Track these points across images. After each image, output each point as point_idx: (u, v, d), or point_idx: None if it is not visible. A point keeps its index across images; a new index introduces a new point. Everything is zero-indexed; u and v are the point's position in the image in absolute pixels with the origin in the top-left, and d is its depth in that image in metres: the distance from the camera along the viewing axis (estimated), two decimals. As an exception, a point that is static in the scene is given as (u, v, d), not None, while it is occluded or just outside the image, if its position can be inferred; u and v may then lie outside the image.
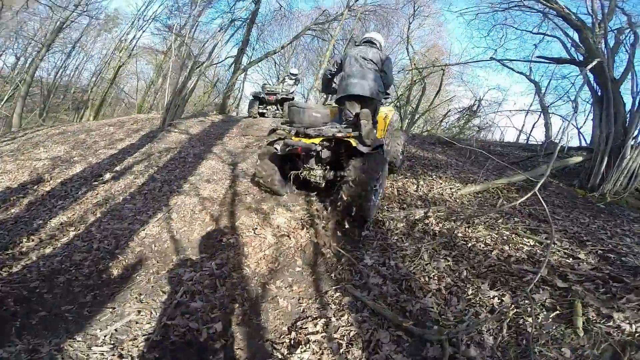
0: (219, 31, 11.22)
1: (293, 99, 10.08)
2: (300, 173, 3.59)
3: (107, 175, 5.55)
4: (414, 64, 13.15)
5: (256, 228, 3.70)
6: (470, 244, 3.10)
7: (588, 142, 7.28)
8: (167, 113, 8.02)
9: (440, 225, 3.61)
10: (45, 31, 14.72)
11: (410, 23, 12.16)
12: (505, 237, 3.20)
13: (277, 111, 9.95)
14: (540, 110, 8.78)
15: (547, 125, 8.50)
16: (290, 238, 3.52)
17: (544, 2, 5.06)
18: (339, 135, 3.07)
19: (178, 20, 14.02)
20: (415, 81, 13.42)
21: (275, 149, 3.32)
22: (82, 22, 15.79)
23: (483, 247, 3.03)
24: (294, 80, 10.26)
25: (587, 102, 8.16)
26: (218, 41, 8.87)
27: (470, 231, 3.38)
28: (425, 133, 11.99)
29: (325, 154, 3.35)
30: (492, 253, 2.89)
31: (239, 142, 6.68)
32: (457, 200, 4.41)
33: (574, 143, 8.83)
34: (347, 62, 3.60)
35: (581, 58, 5.77)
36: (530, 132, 8.55)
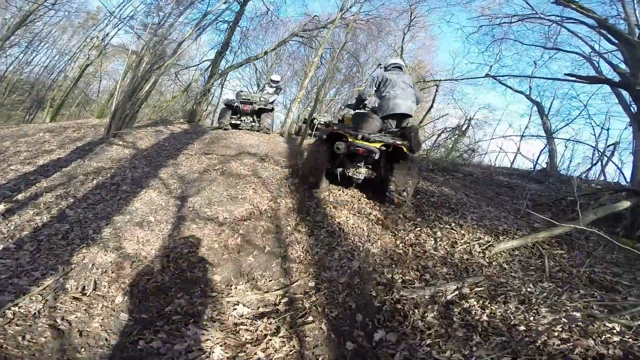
0: (196, 29, 9.81)
1: (273, 110, 8.73)
2: (347, 170, 4.11)
3: (0, 207, 3.91)
4: None
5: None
6: (539, 341, 1.99)
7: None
8: (113, 120, 6.41)
9: (488, 310, 2.38)
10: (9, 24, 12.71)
11: (405, 34, 11.30)
12: (580, 324, 2.14)
13: (254, 123, 8.54)
14: (544, 135, 7.92)
15: (552, 152, 7.62)
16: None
17: (585, 12, 4.12)
18: (398, 142, 3.64)
19: (156, 19, 12.44)
20: None
21: (338, 148, 3.65)
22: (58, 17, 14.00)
23: (558, 345, 1.94)
24: (274, 89, 8.94)
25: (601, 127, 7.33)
26: (185, 39, 7.42)
27: (531, 317, 2.28)
28: (420, 155, 10.96)
29: (378, 156, 3.76)
30: (574, 354, 1.88)
31: (197, 163, 5.20)
32: (493, 263, 3.18)
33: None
34: (389, 84, 4.11)
35: (617, 78, 4.87)
36: (537, 159, 7.42)
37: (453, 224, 3.81)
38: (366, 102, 4.35)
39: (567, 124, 8.18)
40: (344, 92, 18.97)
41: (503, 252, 3.40)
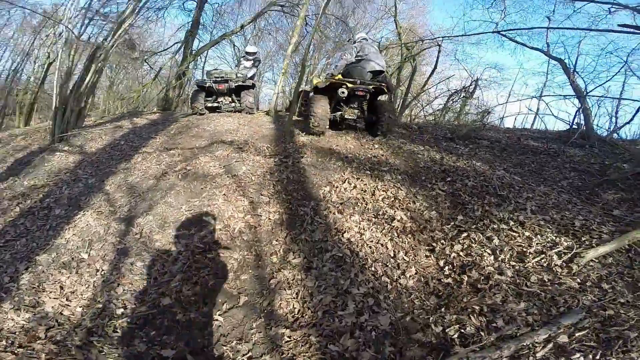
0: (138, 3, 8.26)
1: (254, 86, 7.39)
2: (344, 112, 5.02)
3: None
4: (402, 41, 10.55)
5: None
6: None
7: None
8: (55, 123, 5.17)
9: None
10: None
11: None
12: None
13: (234, 103, 7.23)
14: (575, 94, 6.59)
15: (587, 112, 6.32)
16: None
17: None
18: (383, 84, 4.82)
19: (116, 7, 10.71)
20: (405, 59, 10.86)
21: (343, 92, 4.53)
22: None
23: None
24: (252, 61, 7.54)
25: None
26: (125, 17, 5.96)
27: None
28: (430, 121, 9.66)
29: (369, 97, 4.96)
30: None
31: (156, 164, 4.03)
32: (587, 282, 2.11)
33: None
34: (364, 50, 5.03)
35: None
36: (573, 120, 6.11)
37: (511, 222, 2.69)
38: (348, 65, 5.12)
39: (606, 81, 6.81)
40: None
41: (593, 261, 2.31)
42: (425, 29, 14.40)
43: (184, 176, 3.75)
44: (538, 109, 10.22)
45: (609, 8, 6.29)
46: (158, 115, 7.80)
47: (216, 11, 11.82)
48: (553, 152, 5.16)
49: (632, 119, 7.15)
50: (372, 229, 2.72)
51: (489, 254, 2.47)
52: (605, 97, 6.00)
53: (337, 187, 3.39)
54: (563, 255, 2.37)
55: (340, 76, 4.83)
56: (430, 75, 11.49)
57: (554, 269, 2.20)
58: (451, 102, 11.33)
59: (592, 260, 2.31)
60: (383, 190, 3.35)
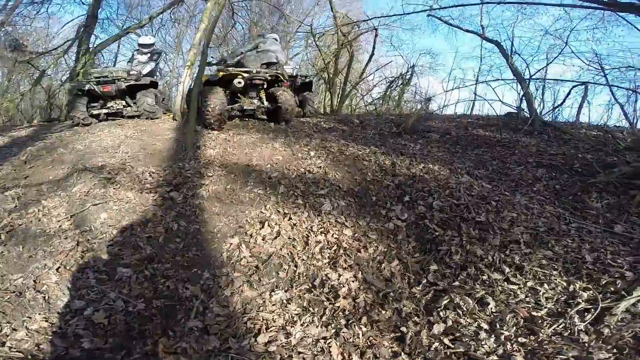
0: None
1: (153, 84, 5.76)
2: (243, 103, 4.81)
3: None
4: (339, 26, 9.40)
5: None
6: None
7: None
8: None
9: None
10: None
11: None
12: None
13: (127, 107, 5.55)
14: (515, 78, 6.29)
15: (529, 96, 6.04)
16: None
17: None
18: (279, 72, 4.87)
19: None
20: (342, 45, 9.81)
21: (239, 82, 4.40)
22: None
23: None
24: (148, 55, 5.86)
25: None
26: None
27: None
28: (371, 111, 8.88)
29: (265, 85, 4.86)
30: None
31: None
32: (622, 349, 1.28)
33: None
34: (261, 45, 5.25)
35: None
36: (520, 105, 5.71)
37: (505, 267, 1.83)
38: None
39: (547, 64, 6.58)
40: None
41: (626, 315, 1.55)
42: (360, 16, 13.64)
43: (9, 237, 2.27)
44: (475, 94, 10.16)
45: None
46: (31, 130, 5.73)
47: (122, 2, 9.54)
48: (508, 143, 4.62)
49: (563, 102, 7.21)
50: (305, 319, 1.64)
51: (486, 331, 1.57)
52: (545, 79, 5.68)
53: (251, 236, 2.24)
54: (586, 313, 1.56)
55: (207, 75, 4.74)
56: (368, 62, 10.71)
57: (579, 337, 1.37)
58: (389, 90, 10.74)
59: (625, 314, 1.54)
60: (321, 232, 2.29)
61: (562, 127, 5.18)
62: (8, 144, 4.74)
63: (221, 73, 4.51)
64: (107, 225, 2.26)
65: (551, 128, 5.14)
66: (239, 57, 5.05)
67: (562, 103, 6.76)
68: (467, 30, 7.83)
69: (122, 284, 1.91)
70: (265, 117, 5.32)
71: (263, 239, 2.20)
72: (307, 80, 6.64)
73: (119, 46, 11.32)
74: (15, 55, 9.77)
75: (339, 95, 10.21)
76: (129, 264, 1.98)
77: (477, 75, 9.89)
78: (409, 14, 8.29)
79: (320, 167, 3.25)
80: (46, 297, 1.84)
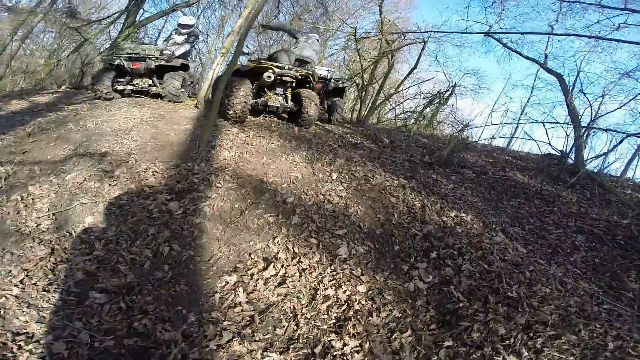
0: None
1: (184, 67, 5.53)
2: (267, 99, 4.56)
3: None
4: (383, 34, 8.84)
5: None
6: None
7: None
8: None
9: None
10: None
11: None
12: None
13: (153, 87, 5.34)
14: (570, 120, 5.75)
15: (580, 142, 5.48)
16: None
17: None
18: (310, 72, 4.67)
19: None
20: (383, 53, 9.26)
21: (269, 77, 4.20)
22: None
23: None
24: (185, 36, 5.63)
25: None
26: None
27: None
28: (401, 128, 8.42)
29: (295, 84, 4.70)
30: None
31: None
32: None
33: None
34: (298, 43, 5.25)
35: None
36: (569, 151, 5.15)
37: (524, 351, 1.47)
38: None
39: (613, 111, 5.95)
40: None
41: None
42: (408, 25, 13.00)
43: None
44: (516, 129, 9.46)
45: (618, 23, 5.38)
46: (54, 97, 5.62)
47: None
48: (548, 196, 4.13)
49: (610, 151, 6.54)
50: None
51: None
52: (607, 130, 5.09)
53: (252, 276, 1.91)
54: None
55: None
56: (408, 74, 10.12)
57: None
58: (424, 107, 10.18)
59: None
60: (332, 286, 1.94)
61: (608, 185, 4.64)
62: (24, 109, 4.61)
63: (252, 64, 4.35)
64: (90, 234, 1.98)
65: (596, 183, 4.62)
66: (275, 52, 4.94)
67: (609, 152, 6.15)
68: (527, 57, 7.20)
69: (92, 313, 1.63)
70: (286, 116, 5.08)
71: (265, 284, 1.87)
72: (340, 85, 6.22)
73: (165, 23, 11.25)
74: (68, 21, 9.84)
75: (369, 104, 9.76)
76: (105, 289, 1.69)
77: (524, 107, 9.25)
78: (468, 33, 7.74)
79: (341, 196, 2.89)
80: (0, 312, 1.58)
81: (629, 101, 5.47)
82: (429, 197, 3.32)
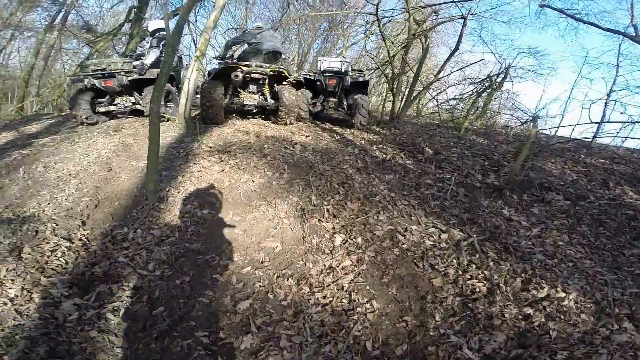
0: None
1: (173, 81, 4.65)
2: (240, 97, 4.44)
3: None
4: (410, 10, 7.03)
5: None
6: None
7: None
8: None
9: None
10: None
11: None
12: None
13: (137, 104, 4.54)
14: None
15: None
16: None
17: None
18: (282, 68, 4.37)
19: None
20: (414, 35, 7.49)
21: (236, 76, 4.00)
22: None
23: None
24: (157, 40, 4.71)
25: None
26: None
27: None
28: (443, 120, 6.76)
29: (267, 80, 4.40)
30: None
31: None
32: None
33: None
34: (259, 36, 4.57)
35: None
36: None
37: None
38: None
39: None
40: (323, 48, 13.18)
41: None
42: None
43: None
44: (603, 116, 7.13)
45: None
46: (40, 126, 5.07)
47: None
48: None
49: None
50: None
51: None
52: None
53: None
54: None
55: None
56: (449, 57, 8.03)
57: None
58: (473, 94, 8.17)
59: None
60: None
61: None
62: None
63: (221, 66, 4.19)
64: None
65: None
66: (241, 48, 4.69)
67: None
68: (609, 30, 5.08)
69: None
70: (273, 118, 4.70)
71: None
72: (359, 78, 4.91)
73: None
74: (88, 36, 9.66)
75: (403, 97, 8.05)
76: None
77: (610, 89, 7.01)
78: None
79: (343, 286, 1.68)
80: None
81: None
82: (501, 262, 1.97)
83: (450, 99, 8.60)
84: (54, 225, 2.17)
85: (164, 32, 4.83)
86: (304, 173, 2.79)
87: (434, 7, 7.58)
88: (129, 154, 3.18)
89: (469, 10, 6.75)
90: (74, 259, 1.92)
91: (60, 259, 1.90)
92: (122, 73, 4.20)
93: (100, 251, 1.97)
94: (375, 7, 4.73)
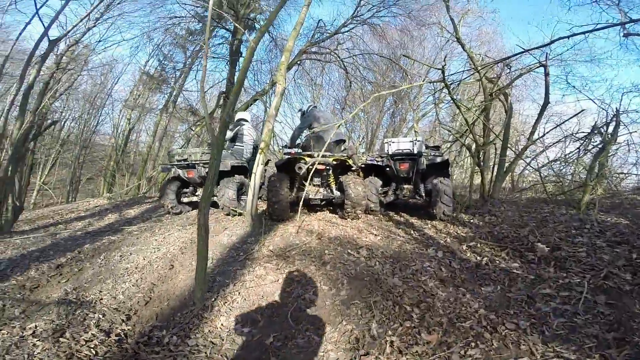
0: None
1: (241, 169, 4.88)
2: (308, 192, 4.24)
3: None
4: (479, 71, 6.39)
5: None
6: None
7: None
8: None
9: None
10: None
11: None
12: None
13: (214, 197, 4.77)
14: None
15: None
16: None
17: None
18: (345, 156, 4.24)
19: (171, 72, 10.10)
20: (491, 96, 6.69)
21: (300, 168, 3.83)
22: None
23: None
24: (233, 132, 5.12)
25: None
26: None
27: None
28: (553, 194, 5.36)
29: (331, 171, 4.27)
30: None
31: None
32: None
33: None
34: (319, 118, 4.51)
35: None
36: None
37: None
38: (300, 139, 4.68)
39: None
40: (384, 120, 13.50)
41: None
42: (504, 54, 9.97)
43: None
44: None
45: None
46: (142, 208, 5.90)
47: (254, 67, 9.95)
48: None
49: None
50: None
51: None
52: None
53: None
54: None
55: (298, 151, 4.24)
56: (541, 113, 6.78)
57: None
58: (580, 152, 6.50)
59: None
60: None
61: None
62: (95, 229, 4.50)
63: (285, 157, 4.10)
64: None
65: None
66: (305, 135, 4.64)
67: None
68: None
69: None
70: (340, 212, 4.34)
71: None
72: (437, 159, 4.21)
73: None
74: (193, 119, 11.23)
75: (493, 170, 6.75)
76: None
77: None
78: (598, 29, 4.82)
79: None
80: None
81: None
82: None
83: (553, 161, 7.00)
84: (100, 315, 2.15)
85: (243, 123, 5.28)
86: (366, 291, 2.24)
87: (505, 62, 6.78)
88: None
89: (547, 56, 5.79)
90: (104, 352, 1.80)
91: (92, 349, 1.80)
92: (201, 164, 4.51)
93: (131, 350, 1.83)
94: (440, 71, 4.23)
